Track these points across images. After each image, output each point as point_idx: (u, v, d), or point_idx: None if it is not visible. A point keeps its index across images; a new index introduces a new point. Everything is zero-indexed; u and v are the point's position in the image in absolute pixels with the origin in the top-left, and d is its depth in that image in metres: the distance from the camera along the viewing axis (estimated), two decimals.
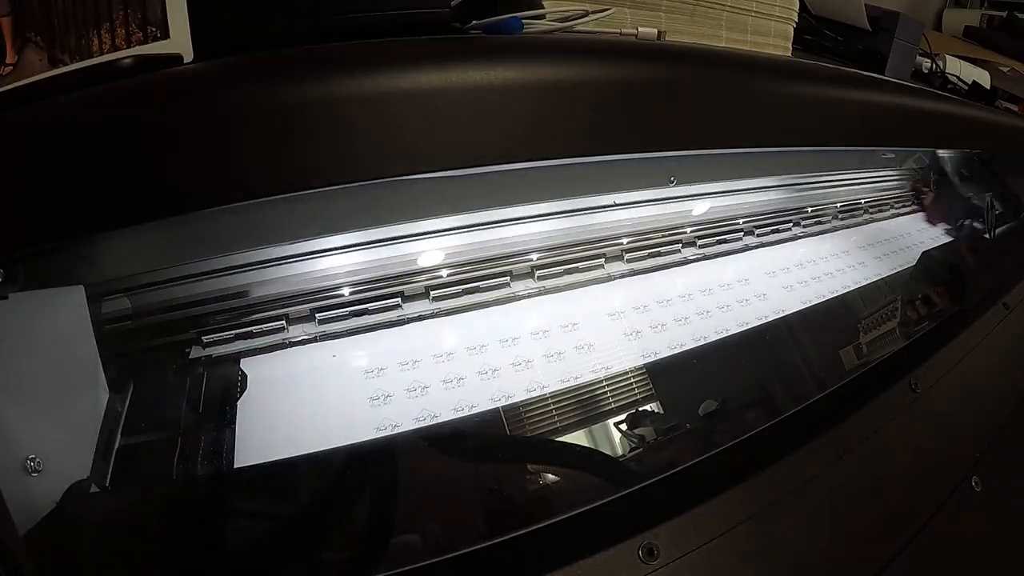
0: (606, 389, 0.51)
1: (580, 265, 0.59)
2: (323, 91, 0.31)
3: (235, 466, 0.39)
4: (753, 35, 0.66)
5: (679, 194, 0.66)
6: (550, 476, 0.46)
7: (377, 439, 0.43)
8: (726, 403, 0.54)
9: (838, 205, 0.88)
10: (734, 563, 0.41)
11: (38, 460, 0.33)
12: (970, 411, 0.66)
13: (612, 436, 0.50)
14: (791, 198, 0.81)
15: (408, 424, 0.44)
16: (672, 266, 0.65)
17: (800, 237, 0.79)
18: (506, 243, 0.57)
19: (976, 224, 1.04)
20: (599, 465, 0.49)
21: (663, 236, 0.66)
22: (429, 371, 0.48)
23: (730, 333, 0.60)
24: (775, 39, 0.69)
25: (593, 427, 0.49)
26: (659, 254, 0.65)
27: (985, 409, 0.68)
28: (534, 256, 0.57)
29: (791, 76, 0.56)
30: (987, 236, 1.02)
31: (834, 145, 0.69)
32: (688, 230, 0.68)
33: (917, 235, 0.94)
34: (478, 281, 0.54)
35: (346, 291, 0.50)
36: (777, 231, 0.77)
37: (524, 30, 0.42)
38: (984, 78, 1.31)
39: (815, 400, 0.56)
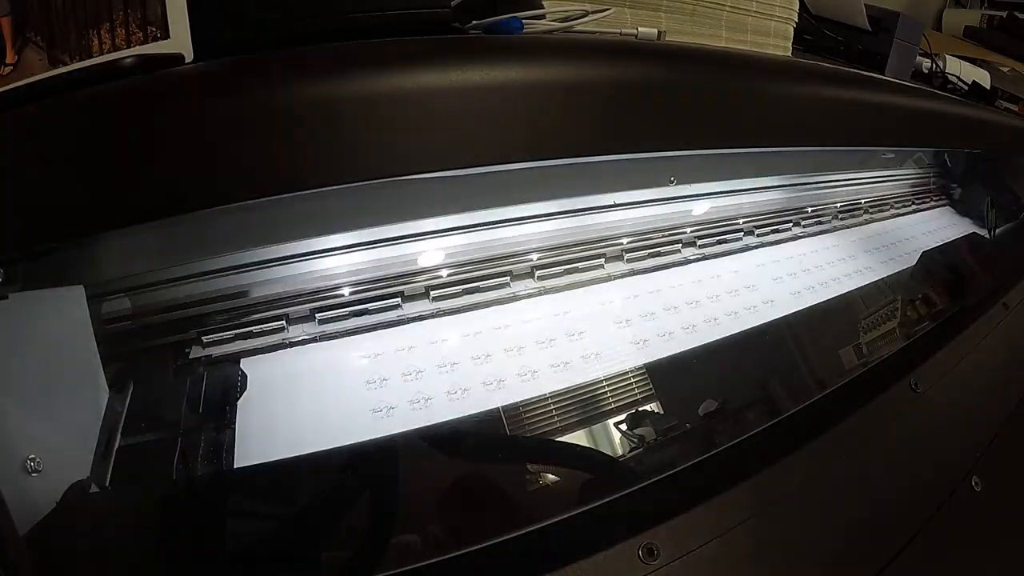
0: (606, 389, 0.51)
1: (580, 265, 0.59)
2: (323, 91, 0.31)
3: (235, 466, 0.39)
4: (753, 35, 0.66)
5: (679, 194, 0.66)
6: (550, 476, 0.46)
7: (376, 439, 0.43)
8: (726, 403, 0.54)
9: (838, 205, 0.88)
10: (734, 563, 0.41)
11: (38, 460, 0.33)
12: (970, 411, 0.66)
13: (612, 436, 0.50)
14: (791, 198, 0.81)
15: (408, 425, 0.44)
16: (672, 266, 0.65)
17: (800, 237, 0.79)
18: (506, 243, 0.57)
19: (976, 224, 1.04)
20: (599, 465, 0.49)
21: (663, 236, 0.66)
22: (429, 370, 0.48)
23: (730, 333, 0.60)
24: (775, 39, 0.69)
25: (593, 427, 0.49)
26: (659, 254, 0.65)
27: (985, 409, 0.68)
28: (534, 256, 0.57)
29: (791, 76, 0.56)
30: (987, 236, 1.02)
31: (834, 145, 0.69)
32: (688, 230, 0.68)
33: (917, 235, 0.94)
34: (478, 281, 0.54)
35: (346, 291, 0.50)
36: (777, 231, 0.77)
37: (524, 30, 0.42)
38: (984, 78, 1.31)
39: (815, 400, 0.56)
